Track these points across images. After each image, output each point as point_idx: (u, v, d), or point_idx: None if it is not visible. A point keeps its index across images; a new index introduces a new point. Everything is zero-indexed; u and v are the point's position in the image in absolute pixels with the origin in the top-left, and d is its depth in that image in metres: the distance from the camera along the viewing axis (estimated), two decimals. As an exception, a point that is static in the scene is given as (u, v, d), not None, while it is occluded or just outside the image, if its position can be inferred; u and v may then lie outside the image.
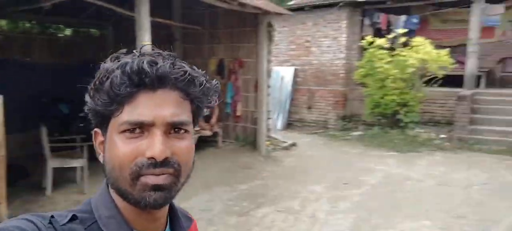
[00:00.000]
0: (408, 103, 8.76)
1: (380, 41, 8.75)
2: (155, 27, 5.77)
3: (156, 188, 0.65)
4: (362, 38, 9.56)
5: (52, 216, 0.64)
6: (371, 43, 8.87)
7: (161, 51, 0.69)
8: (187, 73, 0.68)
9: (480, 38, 9.08)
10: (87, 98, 0.69)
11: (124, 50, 0.71)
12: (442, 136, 8.58)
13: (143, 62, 0.65)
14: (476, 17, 8.94)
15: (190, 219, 0.86)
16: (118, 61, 0.67)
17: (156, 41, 4.97)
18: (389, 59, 8.75)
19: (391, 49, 8.86)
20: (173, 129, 0.67)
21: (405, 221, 4.55)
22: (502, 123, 8.07)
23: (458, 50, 9.41)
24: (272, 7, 7.11)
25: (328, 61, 10.65)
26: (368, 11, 10.54)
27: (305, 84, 11.08)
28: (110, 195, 0.71)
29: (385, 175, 6.40)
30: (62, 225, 0.64)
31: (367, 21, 10.58)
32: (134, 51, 0.70)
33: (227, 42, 8.05)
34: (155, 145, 0.64)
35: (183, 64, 0.69)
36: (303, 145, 8.67)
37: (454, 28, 10.59)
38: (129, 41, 8.40)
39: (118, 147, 0.66)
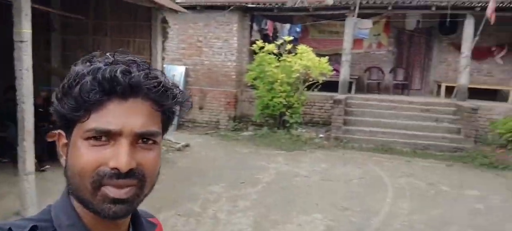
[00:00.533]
0: (293, 106, 9.46)
1: (269, 47, 9.24)
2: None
3: (117, 201, 0.63)
4: (252, 43, 9.97)
5: (10, 229, 0.61)
6: (262, 48, 9.31)
7: (135, 59, 0.67)
8: (161, 85, 0.66)
9: (352, 48, 10.37)
10: (54, 99, 0.68)
11: (97, 53, 0.68)
12: (321, 135, 9.51)
13: (116, 70, 0.62)
14: (349, 29, 10.17)
15: (154, 224, 0.83)
16: (90, 64, 0.64)
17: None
18: (277, 64, 9.31)
19: (279, 54, 9.46)
20: (141, 139, 0.65)
21: (300, 215, 4.91)
22: (369, 124, 9.33)
23: (332, 59, 10.56)
24: (167, 2, 6.87)
25: (219, 63, 10.78)
26: (256, 17, 11.04)
27: (196, 84, 10.99)
28: (70, 202, 0.68)
29: (277, 173, 6.79)
30: None
31: (255, 27, 11.07)
32: (108, 54, 0.67)
33: (115, 36, 7.48)
34: (120, 156, 0.62)
35: (157, 75, 0.67)
36: (196, 146, 8.61)
37: (329, 38, 11.82)
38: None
39: (81, 154, 0.63)
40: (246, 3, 10.43)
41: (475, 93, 9.84)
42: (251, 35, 10.99)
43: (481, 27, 8.99)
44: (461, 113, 9.09)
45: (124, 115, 0.63)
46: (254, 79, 9.60)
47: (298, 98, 9.47)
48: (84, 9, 7.11)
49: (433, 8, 9.72)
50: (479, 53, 10.45)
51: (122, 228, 0.73)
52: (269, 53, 9.30)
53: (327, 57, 9.48)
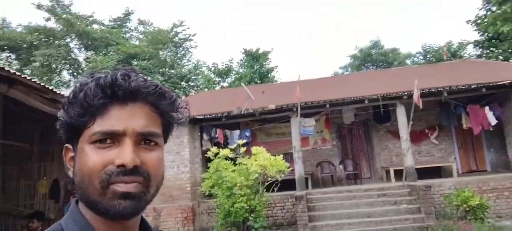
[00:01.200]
0: (256, 209, 9.08)
1: (224, 152, 9.15)
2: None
3: (126, 195, 0.66)
4: (204, 152, 9.83)
5: None
6: (216, 154, 9.18)
7: (133, 67, 0.73)
8: (158, 88, 0.71)
9: (300, 146, 10.67)
10: (60, 113, 0.72)
11: (96, 70, 0.71)
12: (289, 237, 9.08)
13: (116, 75, 0.68)
14: (295, 128, 10.60)
15: None
16: (92, 77, 0.70)
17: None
18: (234, 168, 9.15)
19: (235, 159, 9.36)
20: (144, 140, 0.69)
21: None
22: (334, 217, 9.20)
23: (284, 158, 10.71)
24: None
25: (172, 176, 10.34)
26: (205, 127, 11.12)
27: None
28: (79, 211, 0.71)
29: None
30: None
31: (205, 136, 11.08)
32: (107, 70, 0.73)
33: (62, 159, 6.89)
34: (125, 153, 0.66)
35: (154, 81, 0.72)
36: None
37: (277, 140, 12.16)
38: None
39: (88, 156, 0.67)
40: (194, 116, 10.54)
41: (420, 173, 10.41)
42: (202, 145, 10.90)
43: (411, 114, 9.89)
44: (416, 193, 9.42)
45: (126, 117, 0.68)
46: (212, 187, 9.22)
47: (259, 200, 9.17)
48: (30, 136, 6.61)
49: (366, 102, 10.61)
50: (415, 137, 11.39)
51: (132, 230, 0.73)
52: (225, 159, 9.16)
53: (281, 155, 9.58)
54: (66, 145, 0.74)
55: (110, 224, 0.69)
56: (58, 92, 5.21)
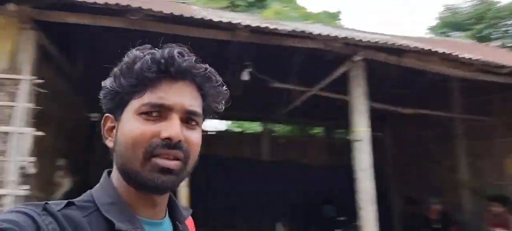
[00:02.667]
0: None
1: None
2: (434, 124, 5.76)
3: (165, 170, 0.69)
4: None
5: (46, 203, 0.65)
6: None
7: (184, 47, 0.75)
8: (207, 71, 0.75)
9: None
10: (108, 82, 0.75)
11: (148, 45, 0.76)
12: None
13: (173, 52, 0.71)
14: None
15: (188, 209, 0.91)
16: (145, 51, 0.73)
17: (433, 139, 6.81)
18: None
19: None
20: (187, 119, 0.73)
21: None
22: None
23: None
24: None
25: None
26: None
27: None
28: (112, 183, 0.74)
29: None
30: (58, 211, 0.64)
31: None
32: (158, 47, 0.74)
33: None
34: (173, 127, 0.69)
35: (204, 64, 0.75)
36: None
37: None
38: (408, 142, 6.74)
39: (135, 127, 0.70)
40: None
41: None
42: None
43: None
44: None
45: (176, 93, 0.72)
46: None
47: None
48: (488, 107, 5.94)
49: None
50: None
51: (161, 207, 0.78)
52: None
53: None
54: (107, 114, 0.76)
55: (142, 197, 0.72)
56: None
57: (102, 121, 0.77)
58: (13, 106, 3.39)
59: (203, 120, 0.78)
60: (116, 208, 0.70)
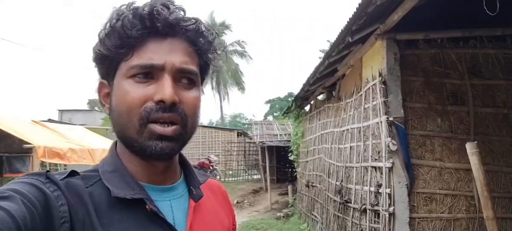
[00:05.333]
0: None
1: None
2: None
3: (163, 138, 0.65)
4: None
5: (47, 171, 0.62)
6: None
7: (172, 1, 0.68)
8: (197, 23, 0.68)
9: None
10: (96, 45, 0.69)
11: (134, 1, 0.68)
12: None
13: (156, 6, 0.65)
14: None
15: (205, 175, 0.84)
16: (129, 7, 0.66)
17: None
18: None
19: None
20: (181, 78, 0.67)
21: None
22: None
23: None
24: None
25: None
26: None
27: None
28: (116, 152, 0.72)
29: None
30: (60, 180, 0.62)
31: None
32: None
33: None
34: (164, 88, 0.64)
35: (193, 16, 0.69)
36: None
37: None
38: None
39: (127, 91, 0.65)
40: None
41: None
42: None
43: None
44: None
45: (165, 52, 0.66)
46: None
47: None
48: None
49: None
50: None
51: (168, 174, 0.73)
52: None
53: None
54: (101, 80, 0.72)
55: (145, 164, 0.69)
56: None
57: (97, 88, 0.73)
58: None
59: (202, 78, 0.74)
60: (116, 175, 0.68)
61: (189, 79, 0.69)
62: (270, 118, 28.79)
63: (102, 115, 22.81)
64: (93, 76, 0.75)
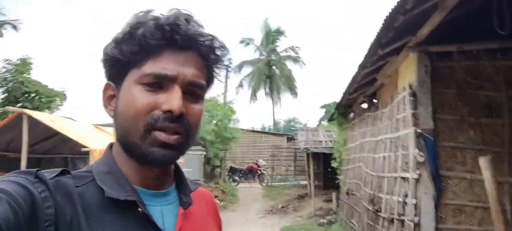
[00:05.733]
0: None
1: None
2: None
3: (166, 145, 0.66)
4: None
5: (37, 170, 0.61)
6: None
7: (191, 14, 0.70)
8: (213, 40, 0.70)
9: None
10: (109, 47, 0.69)
11: (152, 9, 0.69)
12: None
13: (179, 18, 0.66)
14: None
15: (196, 184, 0.84)
16: (149, 15, 0.67)
17: None
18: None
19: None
20: (190, 91, 0.68)
21: None
22: None
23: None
24: None
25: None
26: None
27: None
28: (111, 154, 0.72)
29: None
30: (50, 179, 0.61)
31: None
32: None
33: None
34: (174, 99, 0.65)
35: (210, 33, 0.71)
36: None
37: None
38: None
39: (135, 97, 0.66)
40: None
41: None
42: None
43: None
44: None
45: (179, 64, 0.67)
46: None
47: None
48: None
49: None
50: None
51: (161, 179, 0.74)
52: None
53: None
54: (108, 82, 0.73)
55: (141, 168, 0.70)
56: None
57: (103, 88, 0.73)
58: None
59: (206, 91, 0.74)
60: (111, 177, 0.67)
61: (197, 93, 0.70)
62: (324, 122, 28.59)
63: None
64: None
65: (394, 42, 4.30)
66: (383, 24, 3.81)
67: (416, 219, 4.02)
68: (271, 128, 36.73)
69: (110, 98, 0.72)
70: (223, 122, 14.61)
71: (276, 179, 18.29)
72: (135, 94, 0.66)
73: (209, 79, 0.74)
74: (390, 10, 3.50)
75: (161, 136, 0.65)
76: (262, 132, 23.21)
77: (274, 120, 36.63)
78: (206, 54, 0.70)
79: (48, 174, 0.61)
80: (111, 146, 0.74)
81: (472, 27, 4.26)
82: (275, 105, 33.97)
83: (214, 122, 14.57)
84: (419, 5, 3.36)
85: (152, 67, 0.66)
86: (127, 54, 0.66)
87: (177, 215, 0.74)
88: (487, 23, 4.14)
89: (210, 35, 0.70)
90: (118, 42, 0.68)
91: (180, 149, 0.68)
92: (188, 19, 0.68)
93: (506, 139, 4.17)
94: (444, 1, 3.37)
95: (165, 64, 0.66)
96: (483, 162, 2.80)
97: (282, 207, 12.31)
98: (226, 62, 0.75)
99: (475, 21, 4.23)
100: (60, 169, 0.65)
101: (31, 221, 0.54)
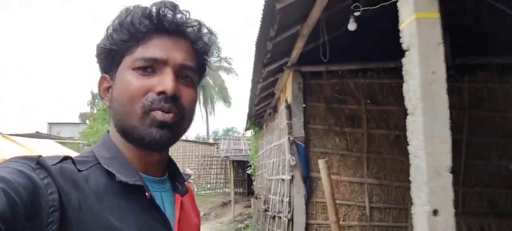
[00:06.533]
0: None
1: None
2: None
3: (163, 125, 0.67)
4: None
5: (39, 156, 0.60)
6: None
7: (176, 2, 0.73)
8: (200, 26, 0.75)
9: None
10: (102, 40, 0.72)
11: (141, 3, 0.73)
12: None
13: (165, 6, 0.70)
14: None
15: (188, 175, 0.88)
16: (138, 6, 0.72)
17: None
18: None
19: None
20: (182, 74, 0.71)
21: None
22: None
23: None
24: None
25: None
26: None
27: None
28: (111, 140, 0.73)
29: None
30: (52, 165, 0.60)
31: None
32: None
33: None
34: (166, 81, 0.67)
35: (196, 18, 0.74)
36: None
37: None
38: None
39: (130, 82, 0.68)
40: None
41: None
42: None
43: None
44: None
45: (168, 48, 0.70)
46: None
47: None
48: None
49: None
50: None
51: (160, 165, 0.76)
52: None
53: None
54: (103, 75, 0.75)
55: (141, 154, 0.71)
56: None
57: (98, 82, 0.75)
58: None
59: (199, 78, 0.77)
60: (116, 161, 0.68)
61: (188, 77, 0.72)
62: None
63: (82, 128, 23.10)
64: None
65: (275, 62, 4.94)
66: (255, 47, 4.41)
67: (289, 216, 4.64)
68: (205, 137, 36.88)
69: (106, 90, 0.74)
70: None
71: (205, 187, 18.55)
72: (129, 79, 0.68)
73: (200, 67, 0.76)
74: (257, 37, 4.09)
75: (158, 114, 0.66)
76: (192, 141, 23.31)
77: (207, 129, 36.85)
78: (194, 39, 0.73)
79: (50, 160, 0.60)
80: (108, 132, 0.75)
81: (339, 51, 5.04)
82: (209, 115, 34.27)
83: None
84: (281, 33, 4.00)
85: (142, 52, 0.68)
86: (119, 43, 0.69)
87: (173, 203, 0.76)
88: (351, 47, 4.94)
89: (197, 20, 0.73)
90: (109, 33, 0.70)
91: (175, 129, 0.69)
92: (175, 6, 0.71)
93: (365, 146, 4.98)
94: (302, 30, 4.04)
95: (154, 48, 0.68)
96: (321, 163, 3.43)
97: (205, 214, 12.64)
98: (214, 49, 0.78)
99: (339, 46, 5.01)
100: (62, 155, 0.64)
101: (33, 208, 0.52)
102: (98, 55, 0.74)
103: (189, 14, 0.73)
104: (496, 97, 5.03)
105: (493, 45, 5.64)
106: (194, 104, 0.74)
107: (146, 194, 0.67)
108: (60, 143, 10.91)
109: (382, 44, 5.03)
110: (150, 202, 0.67)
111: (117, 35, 0.69)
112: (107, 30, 0.71)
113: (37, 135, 16.62)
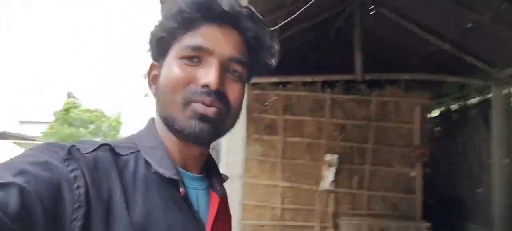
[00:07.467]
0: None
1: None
2: None
3: (204, 118, 0.65)
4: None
5: (73, 145, 0.59)
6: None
7: None
8: (252, 14, 0.71)
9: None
10: (154, 29, 0.72)
11: None
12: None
13: None
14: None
15: (226, 176, 0.84)
16: None
17: None
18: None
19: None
20: (229, 68, 0.68)
21: None
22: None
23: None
24: None
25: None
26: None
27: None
28: (155, 128, 0.72)
29: None
30: (85, 154, 0.59)
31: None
32: None
33: None
34: (211, 74, 0.65)
35: (248, 7, 0.71)
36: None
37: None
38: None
39: (174, 71, 0.67)
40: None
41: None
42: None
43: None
44: None
45: (217, 38, 0.67)
46: None
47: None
48: None
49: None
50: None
51: (200, 160, 0.74)
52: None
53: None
54: (153, 62, 0.74)
55: (183, 147, 0.69)
56: None
57: (148, 69, 0.74)
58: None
59: (249, 74, 0.73)
60: (158, 152, 0.67)
61: (236, 72, 0.69)
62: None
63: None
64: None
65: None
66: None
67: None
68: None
69: (153, 78, 0.73)
70: (110, 134, 14.69)
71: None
72: (174, 68, 0.67)
73: (252, 62, 0.72)
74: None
75: (199, 107, 0.64)
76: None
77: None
78: (244, 29, 0.70)
79: (85, 148, 0.60)
80: (153, 120, 0.74)
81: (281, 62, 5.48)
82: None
83: (100, 134, 14.57)
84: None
85: (189, 40, 0.67)
86: (168, 30, 0.68)
87: (208, 202, 0.73)
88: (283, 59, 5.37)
89: (247, 7, 0.70)
90: (160, 21, 0.70)
91: (217, 124, 0.67)
92: None
93: (280, 152, 5.44)
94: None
95: (201, 37, 0.67)
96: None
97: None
98: (267, 41, 0.73)
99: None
100: (98, 143, 0.63)
101: (55, 204, 0.51)
102: (149, 42, 0.73)
103: (244, 5, 0.70)
104: (401, 110, 5.57)
105: (400, 62, 6.24)
106: (241, 101, 0.70)
107: (180, 190, 0.65)
108: (19, 144, 10.96)
109: (303, 60, 5.51)
110: (183, 198, 0.66)
111: (167, 23, 0.69)
112: (160, 19, 0.71)
113: (3, 135, 16.48)
